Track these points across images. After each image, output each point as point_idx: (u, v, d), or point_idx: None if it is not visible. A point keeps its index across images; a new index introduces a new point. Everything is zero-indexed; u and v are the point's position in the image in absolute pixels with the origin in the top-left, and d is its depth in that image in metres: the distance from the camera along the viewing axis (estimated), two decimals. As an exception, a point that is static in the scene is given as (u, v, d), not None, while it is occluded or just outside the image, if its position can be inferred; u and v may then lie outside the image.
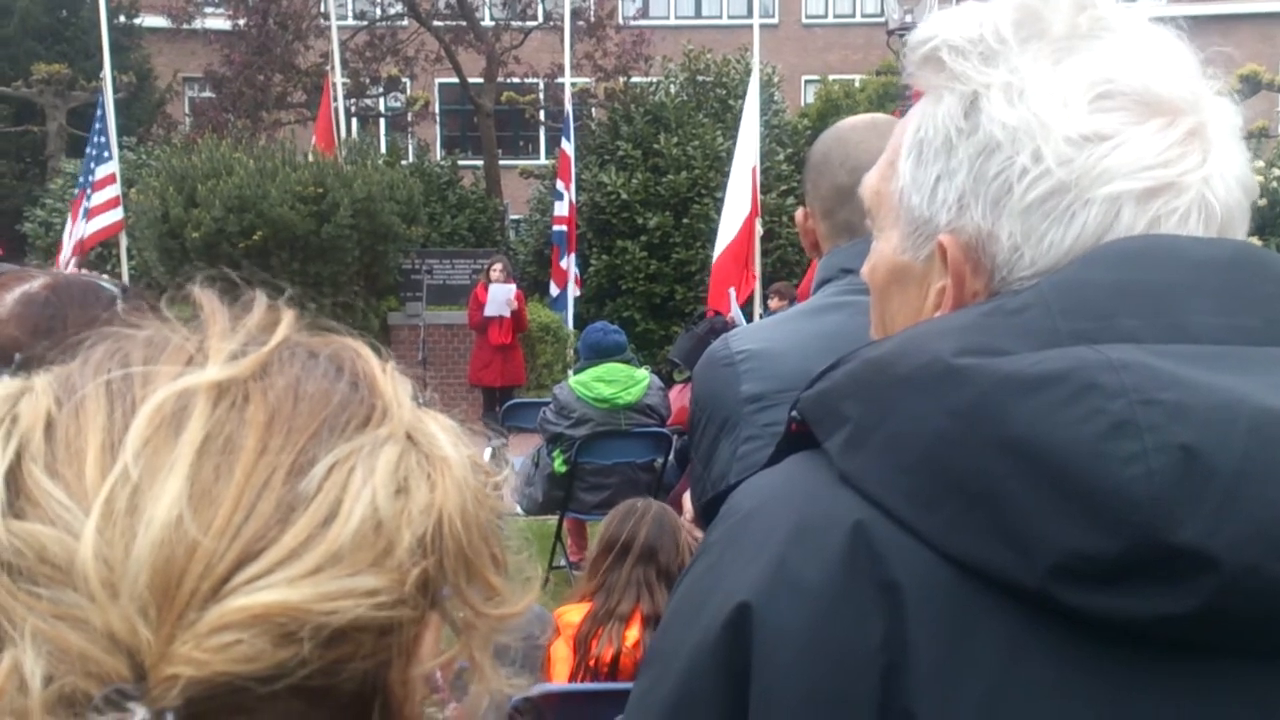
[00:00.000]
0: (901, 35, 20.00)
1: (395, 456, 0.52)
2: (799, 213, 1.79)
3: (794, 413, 0.76)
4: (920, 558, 0.65)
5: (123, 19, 18.17)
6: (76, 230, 10.39)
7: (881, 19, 21.22)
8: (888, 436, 0.68)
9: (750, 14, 11.17)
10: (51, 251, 13.81)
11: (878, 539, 0.66)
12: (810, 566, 0.67)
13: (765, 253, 10.03)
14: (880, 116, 1.78)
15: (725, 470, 1.62)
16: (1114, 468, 0.59)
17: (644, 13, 20.42)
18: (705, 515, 1.75)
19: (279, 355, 0.54)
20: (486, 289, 10.83)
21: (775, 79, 17.40)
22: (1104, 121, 0.72)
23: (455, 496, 0.53)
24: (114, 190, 10.52)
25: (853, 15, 25.99)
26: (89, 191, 10.40)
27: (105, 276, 1.49)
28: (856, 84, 20.99)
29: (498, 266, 10.97)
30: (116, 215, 10.59)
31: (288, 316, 0.57)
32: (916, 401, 0.67)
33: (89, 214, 10.34)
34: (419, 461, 0.53)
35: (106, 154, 10.58)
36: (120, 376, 0.52)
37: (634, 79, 17.41)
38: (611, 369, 6.07)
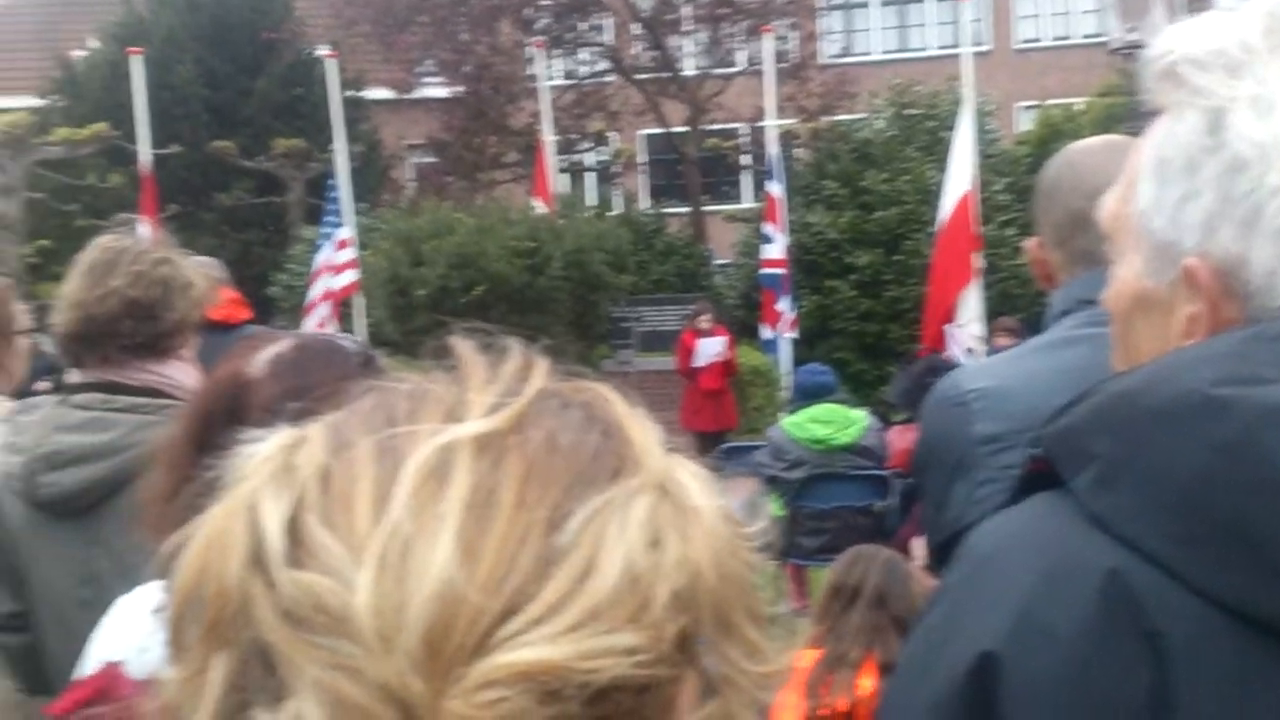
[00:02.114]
0: (1125, 54, 19.20)
1: (648, 508, 0.51)
2: (1030, 243, 1.69)
3: (1035, 450, 0.72)
4: (1185, 604, 0.60)
5: (351, 93, 19.34)
6: (320, 284, 11.06)
7: (1102, 38, 20.41)
8: (1142, 473, 0.62)
9: (959, 43, 10.86)
10: (295, 313, 14.74)
11: (1136, 584, 0.61)
12: (1062, 614, 0.63)
13: (986, 286, 9.68)
14: (1114, 137, 1.67)
15: (960, 515, 1.54)
16: None
17: (847, 50, 20.31)
18: (940, 558, 1.68)
19: (534, 406, 0.54)
20: (695, 336, 10.89)
21: (989, 107, 16.94)
22: None
23: (708, 549, 0.52)
24: (350, 253, 11.17)
25: (1070, 36, 25.09)
26: (331, 255, 11.11)
27: (346, 335, 1.56)
28: (1078, 107, 20.20)
29: (705, 316, 11.03)
30: (352, 276, 11.26)
31: (541, 366, 0.57)
32: (1173, 435, 0.62)
33: (336, 270, 11.04)
34: (671, 513, 0.52)
35: (341, 220, 11.26)
36: (387, 429, 0.53)
37: (839, 117, 17.28)
38: (827, 410, 5.96)
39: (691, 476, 0.55)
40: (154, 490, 1.39)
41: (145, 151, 11.88)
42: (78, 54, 20.12)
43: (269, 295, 15.15)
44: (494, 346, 0.58)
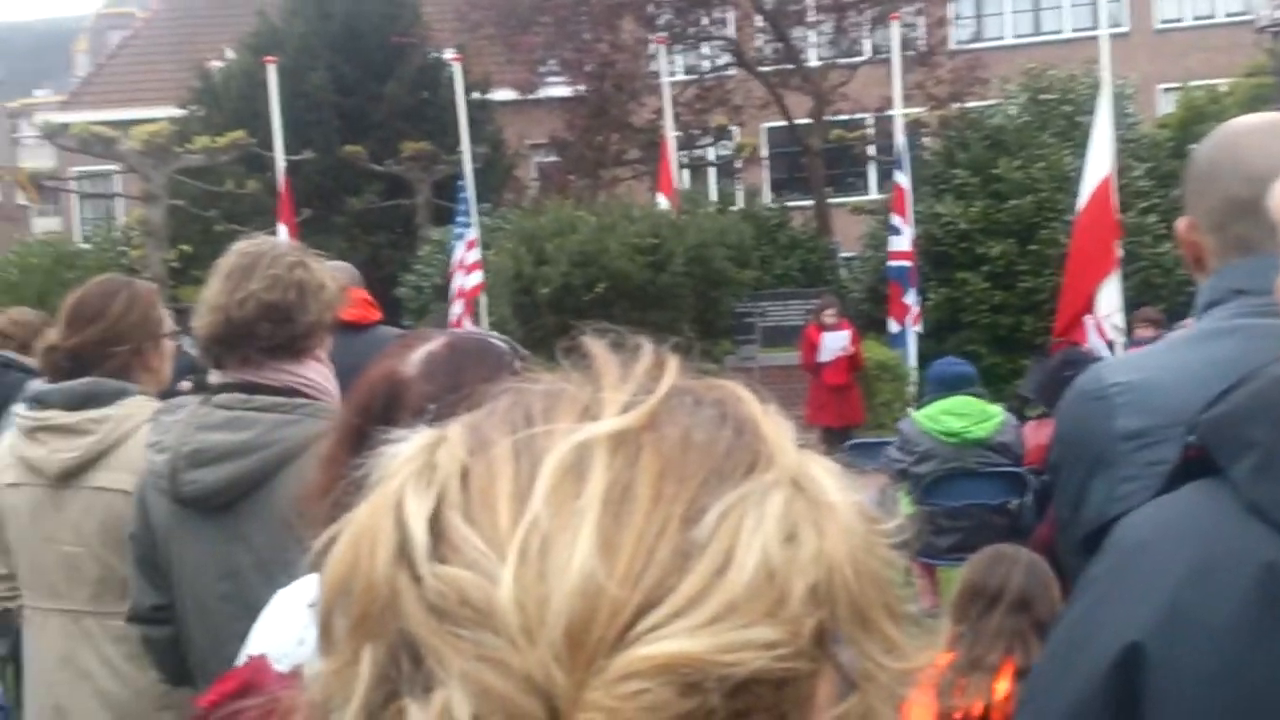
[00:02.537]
0: (1273, 32, 18.33)
1: (783, 503, 0.52)
2: (1181, 223, 1.59)
3: (1191, 438, 0.70)
4: None
5: (476, 95, 19.66)
6: (455, 283, 11.38)
7: (1248, 17, 19.53)
8: None
9: (1096, 24, 10.48)
10: (422, 313, 15.06)
11: None
12: (1215, 606, 0.61)
13: (1126, 276, 9.30)
14: (1278, 116, 1.56)
15: (1099, 513, 1.47)
16: None
17: (978, 35, 19.81)
18: (1085, 549, 1.61)
19: (668, 404, 0.55)
20: (819, 330, 10.75)
21: (1128, 90, 16.34)
22: None
23: (844, 544, 0.52)
24: (475, 254, 11.42)
25: (1214, 15, 24.06)
26: (462, 255, 11.41)
27: (495, 334, 1.57)
28: (1223, 89, 19.34)
29: (830, 309, 10.88)
30: (478, 276, 11.51)
31: (673, 363, 0.57)
32: None
33: (466, 270, 11.33)
34: (806, 508, 0.52)
35: (469, 221, 11.51)
36: (524, 427, 0.54)
37: (969, 104, 16.88)
38: (962, 402, 5.78)
39: (825, 472, 0.55)
40: (312, 488, 1.41)
41: (280, 158, 12.28)
42: (215, 65, 20.89)
43: (397, 296, 15.51)
44: (626, 345, 0.59)
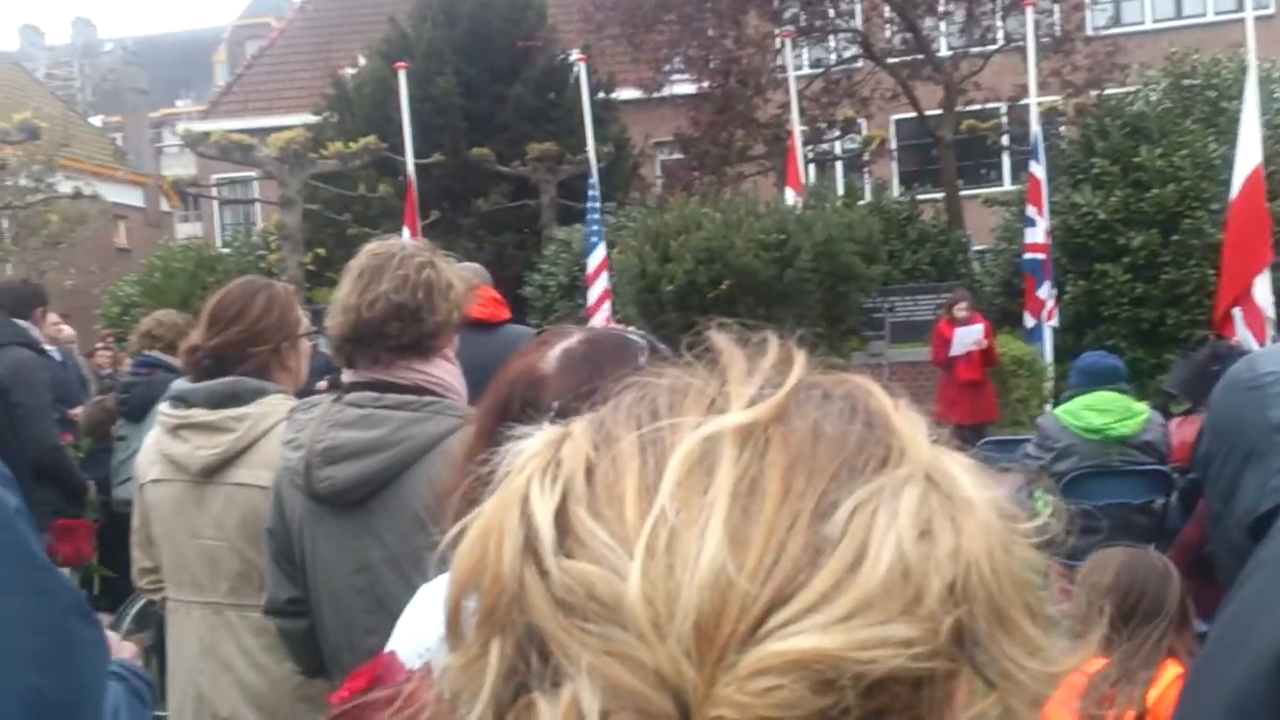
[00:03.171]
0: None
1: (917, 499, 0.51)
2: None
3: None
4: None
5: (601, 95, 19.79)
6: (597, 287, 11.58)
7: (1404, -10, 18.41)
8: None
9: (1241, 7, 10.01)
10: (547, 312, 15.23)
11: None
12: None
13: (1274, 267, 8.88)
14: None
15: (1253, 506, 1.39)
16: None
17: (1116, 20, 19.11)
18: (1253, 535, 1.52)
19: (796, 397, 0.54)
20: (950, 325, 10.51)
21: (1275, 74, 15.56)
22: None
23: (982, 541, 0.51)
24: (601, 253, 11.56)
25: (1368, -9, 22.78)
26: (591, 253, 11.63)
27: (632, 329, 1.56)
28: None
29: (962, 304, 10.61)
30: (604, 273, 11.67)
31: (800, 358, 0.57)
32: None
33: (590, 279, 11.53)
34: (941, 504, 0.51)
35: (599, 220, 11.66)
36: (649, 422, 0.54)
37: (1108, 91, 16.29)
38: (1106, 398, 5.54)
39: (961, 467, 0.54)
40: (452, 484, 1.42)
41: (410, 161, 12.56)
42: (348, 72, 21.46)
43: (522, 295, 15.70)
44: (751, 340, 0.58)
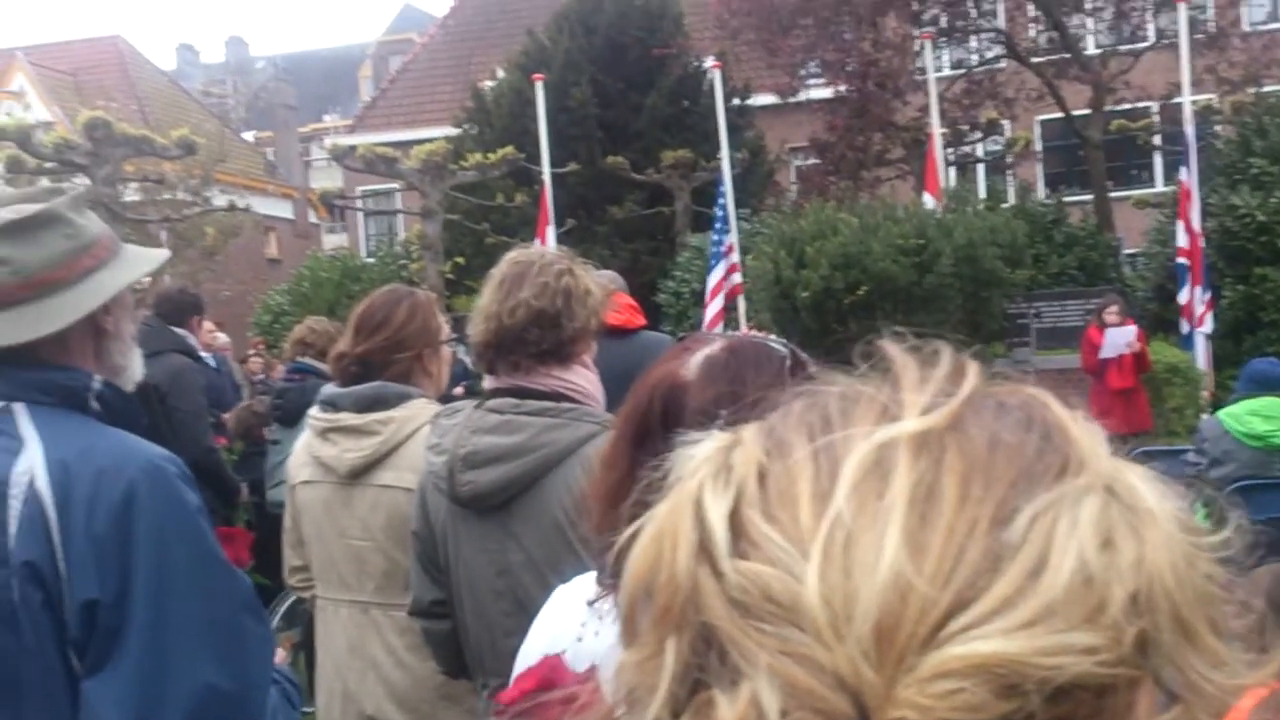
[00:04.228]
0: None
1: (1098, 508, 0.50)
2: None
3: None
4: None
5: (737, 101, 19.75)
6: (717, 299, 11.57)
7: None
8: None
9: None
10: (681, 319, 15.25)
11: None
12: None
13: None
14: None
15: None
16: None
17: (1273, 15, 18.23)
18: None
19: (971, 406, 0.54)
20: (1101, 331, 10.14)
21: None
22: None
23: (1164, 553, 0.50)
24: (733, 258, 11.52)
25: None
26: (720, 261, 11.59)
27: (774, 337, 1.56)
28: None
29: (1113, 308, 10.23)
30: (735, 280, 11.62)
31: (974, 367, 0.57)
32: None
33: (717, 288, 11.50)
34: (1122, 514, 0.51)
35: (726, 226, 11.63)
36: (821, 428, 0.54)
37: (1266, 88, 15.54)
38: (1273, 403, 5.29)
39: (1141, 479, 0.53)
40: (597, 488, 1.43)
41: (546, 171, 12.74)
42: (488, 85, 21.89)
43: (656, 302, 15.75)
44: (924, 350, 0.58)
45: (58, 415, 1.83)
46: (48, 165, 15.68)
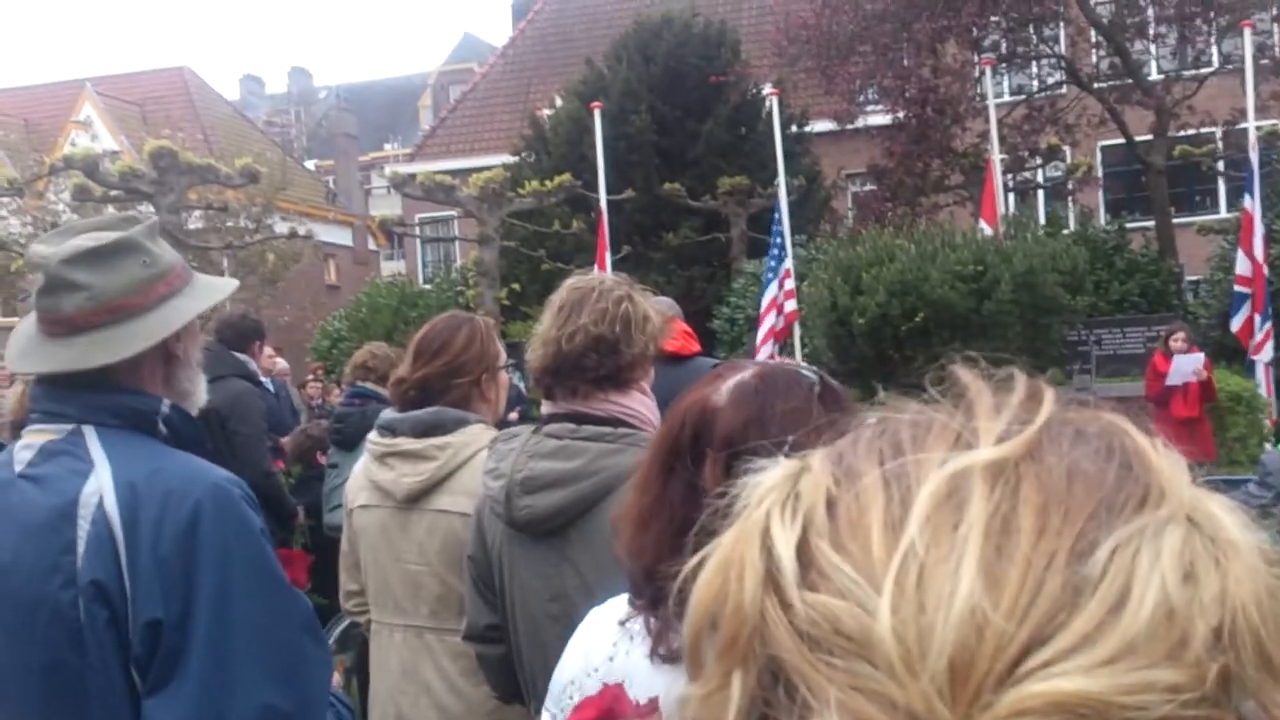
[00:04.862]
0: None
1: (1180, 540, 0.49)
2: None
3: None
4: None
5: (794, 128, 19.75)
6: (766, 322, 11.52)
7: None
8: None
9: None
10: (735, 345, 15.22)
11: None
12: None
13: None
14: None
15: None
16: None
17: (1343, 38, 17.89)
18: None
19: (1048, 434, 0.52)
20: (1167, 358, 9.96)
21: None
22: None
23: (1249, 585, 0.49)
24: (789, 285, 11.50)
25: None
26: (777, 287, 11.53)
27: (804, 365, 1.58)
28: None
29: (1179, 335, 10.05)
30: (791, 306, 11.59)
31: (1050, 393, 0.55)
32: None
33: (775, 308, 11.44)
34: (1205, 546, 0.49)
35: (783, 253, 11.61)
36: (892, 456, 0.53)
37: (1334, 112, 15.26)
38: (1336, 439, 5.18)
39: (1223, 509, 0.52)
40: (626, 511, 1.44)
41: (603, 198, 12.81)
42: (546, 113, 22.08)
43: (711, 329, 15.73)
44: (996, 375, 0.57)
45: (126, 438, 1.86)
46: (114, 193, 16.03)
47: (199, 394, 2.04)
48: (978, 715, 0.45)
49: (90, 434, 1.86)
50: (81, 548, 1.75)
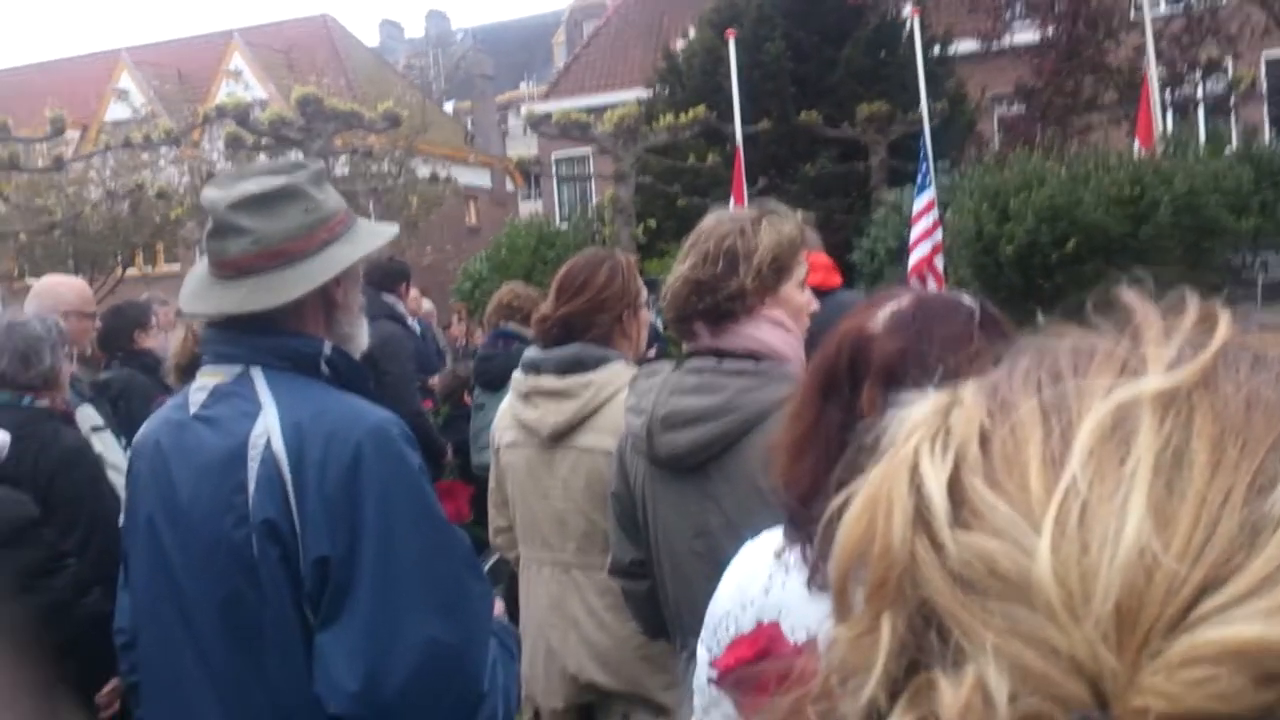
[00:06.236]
0: None
1: None
2: None
3: None
4: None
5: (936, 50, 19.10)
6: (916, 253, 11.29)
7: None
8: None
9: None
10: (876, 278, 14.94)
11: None
12: None
13: None
14: None
15: None
16: None
17: None
18: None
19: (1223, 360, 0.49)
20: (1340, 281, 9.41)
21: None
22: None
23: None
24: (933, 215, 11.20)
25: None
26: (920, 219, 11.27)
27: (964, 292, 1.54)
28: None
29: (1355, 255, 9.48)
30: (936, 238, 11.30)
31: (1225, 316, 0.51)
32: None
33: (919, 241, 11.19)
34: None
35: (928, 181, 11.31)
36: (1051, 386, 0.50)
37: None
38: None
39: None
40: (780, 439, 1.44)
41: (738, 130, 12.65)
42: (679, 44, 21.84)
43: (850, 261, 15.45)
44: (1163, 299, 0.53)
45: (291, 379, 1.94)
46: (264, 141, 16.54)
47: (360, 338, 2.11)
48: (1147, 663, 0.43)
49: (258, 375, 1.93)
50: (252, 487, 1.83)
